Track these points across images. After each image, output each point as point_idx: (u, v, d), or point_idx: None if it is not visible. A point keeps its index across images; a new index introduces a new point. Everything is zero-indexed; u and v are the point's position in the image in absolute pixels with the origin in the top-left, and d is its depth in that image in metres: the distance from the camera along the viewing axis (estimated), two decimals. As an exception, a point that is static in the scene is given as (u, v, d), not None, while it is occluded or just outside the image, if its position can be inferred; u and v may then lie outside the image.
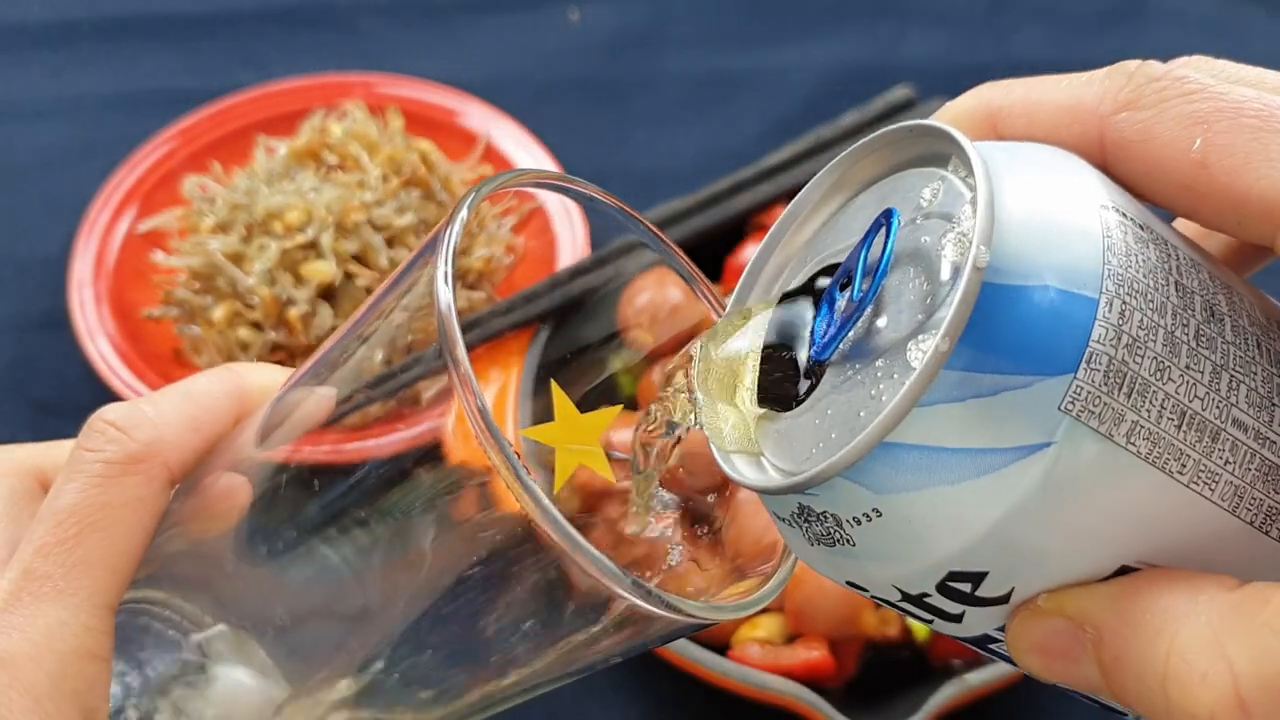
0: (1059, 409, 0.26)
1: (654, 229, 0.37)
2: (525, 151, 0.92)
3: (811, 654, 0.66)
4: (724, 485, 0.39)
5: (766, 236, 0.33)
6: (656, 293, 0.41)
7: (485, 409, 0.29)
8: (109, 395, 0.79)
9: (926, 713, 0.63)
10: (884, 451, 0.26)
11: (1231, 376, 0.27)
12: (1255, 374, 0.28)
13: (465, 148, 0.92)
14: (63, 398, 0.83)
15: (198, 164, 0.90)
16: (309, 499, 0.35)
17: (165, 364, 0.81)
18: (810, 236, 0.32)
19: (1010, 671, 0.65)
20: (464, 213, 0.32)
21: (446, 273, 0.31)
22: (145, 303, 0.84)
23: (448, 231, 0.31)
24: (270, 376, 0.38)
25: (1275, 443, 0.28)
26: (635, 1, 1.08)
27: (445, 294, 0.30)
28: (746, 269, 0.33)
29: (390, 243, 0.83)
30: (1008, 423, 0.26)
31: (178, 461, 0.36)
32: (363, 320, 0.35)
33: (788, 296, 0.31)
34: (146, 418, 0.36)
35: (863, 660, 0.68)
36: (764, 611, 0.68)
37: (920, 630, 0.66)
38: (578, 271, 0.73)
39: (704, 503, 0.39)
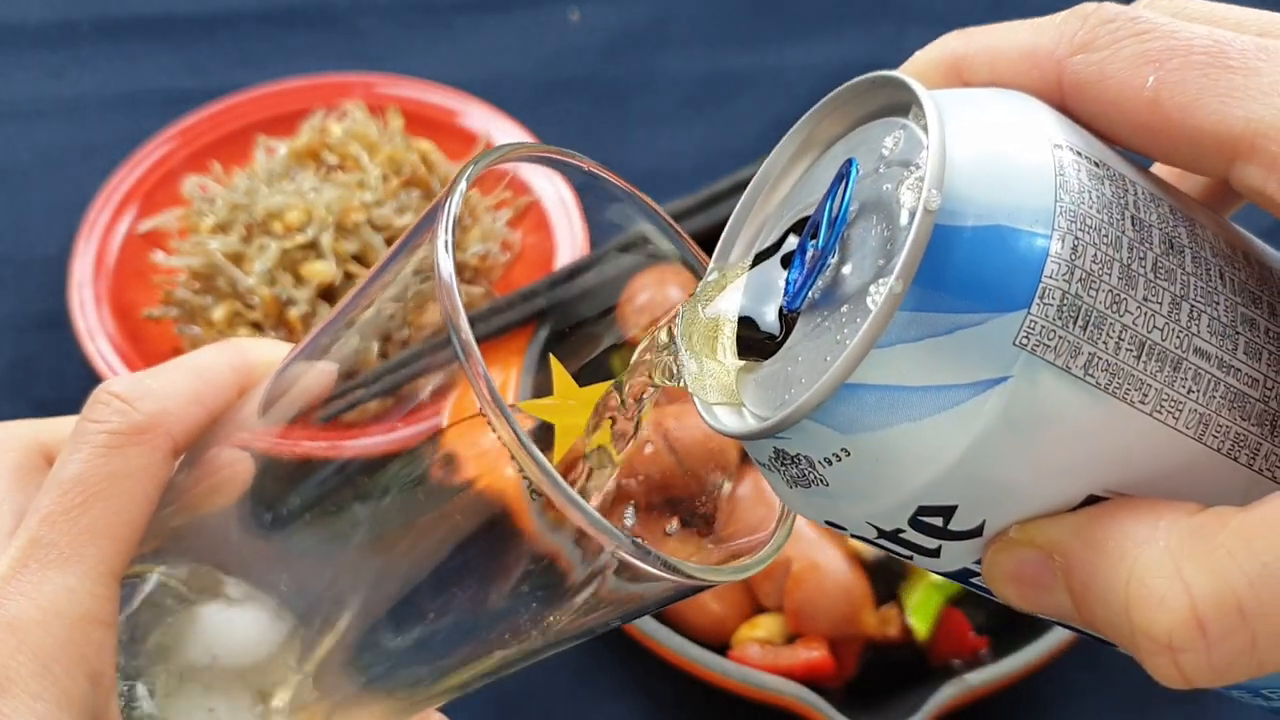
0: (1014, 344, 0.27)
1: (651, 202, 0.37)
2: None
3: (811, 654, 0.66)
4: (721, 483, 0.39)
5: (743, 197, 0.34)
6: (657, 291, 0.41)
7: (488, 376, 0.29)
8: (109, 395, 0.79)
9: (926, 713, 0.63)
10: (847, 393, 0.27)
11: (1192, 307, 0.28)
12: (1217, 304, 0.28)
13: (465, 148, 0.92)
14: (63, 398, 0.83)
15: (198, 164, 0.90)
16: (312, 470, 0.36)
17: (165, 364, 0.81)
18: (786, 194, 0.33)
19: (1010, 671, 0.65)
20: (463, 184, 0.32)
21: (447, 241, 0.31)
22: (145, 303, 0.84)
23: (447, 202, 0.32)
24: (273, 350, 0.39)
25: (1240, 370, 0.29)
26: (635, 1, 1.08)
27: (446, 262, 0.31)
28: (726, 230, 0.34)
29: (390, 243, 0.83)
30: (964, 359, 0.27)
31: (181, 432, 0.36)
32: (362, 293, 0.35)
33: (764, 252, 0.32)
34: (150, 390, 0.36)
35: (863, 660, 0.68)
36: (764, 611, 0.69)
37: (920, 630, 0.66)
38: (577, 270, 0.73)
39: (704, 500, 0.39)
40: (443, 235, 0.31)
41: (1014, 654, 0.65)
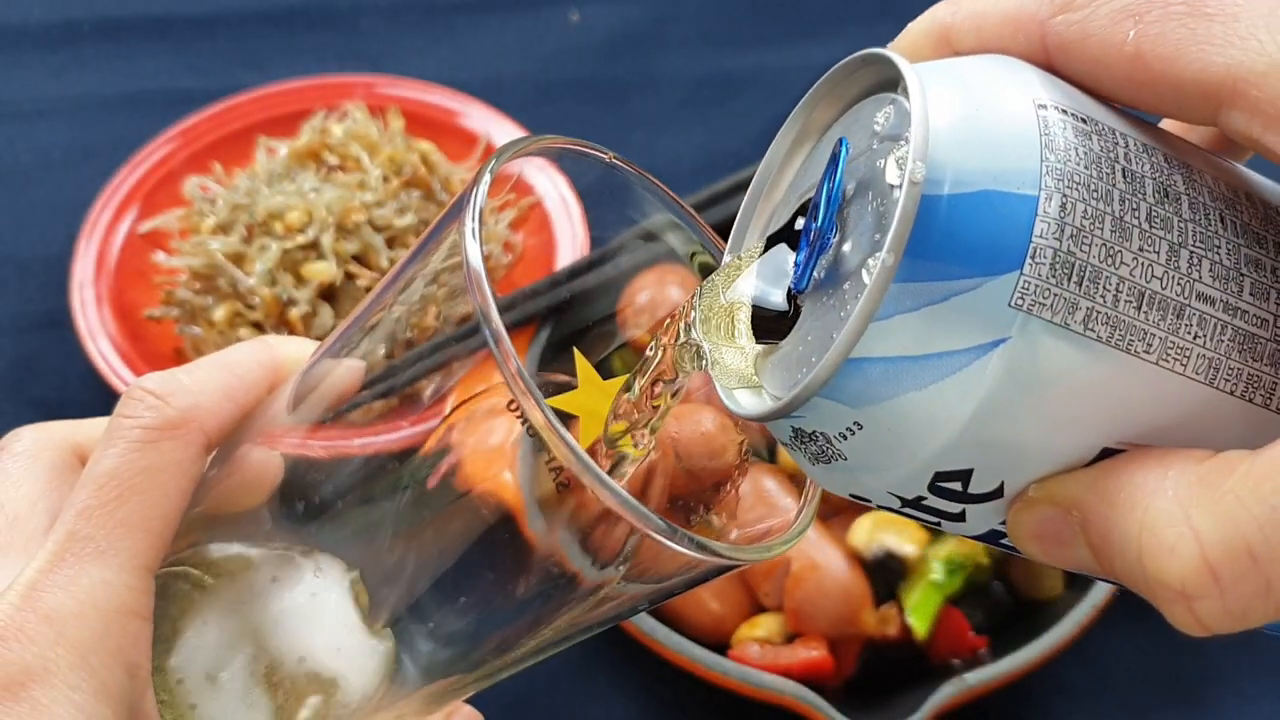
0: (1009, 305, 0.27)
1: (672, 194, 0.38)
2: (528, 159, 0.91)
3: (811, 653, 0.66)
4: (723, 482, 0.40)
5: (750, 188, 0.34)
6: (657, 291, 0.41)
7: (519, 362, 0.30)
8: (110, 395, 0.79)
9: (926, 712, 0.63)
10: (851, 368, 0.28)
11: (1191, 253, 0.28)
12: (1218, 247, 0.29)
13: (466, 148, 0.92)
14: (64, 398, 0.84)
15: (199, 164, 0.90)
16: (342, 466, 0.36)
17: (166, 364, 0.81)
18: (791, 179, 0.34)
19: (1009, 671, 0.65)
20: (488, 177, 0.33)
21: (474, 229, 0.31)
22: (146, 303, 0.85)
23: (474, 192, 0.32)
24: (302, 348, 0.40)
25: (1248, 312, 0.29)
26: (635, 2, 1.08)
27: (474, 249, 0.31)
28: (737, 220, 0.34)
29: (391, 243, 0.83)
30: (962, 325, 0.27)
31: (214, 428, 0.37)
32: (388, 288, 0.35)
33: (774, 236, 0.33)
34: (183, 385, 0.37)
35: (862, 660, 0.68)
36: (763, 611, 0.69)
37: (919, 629, 0.67)
38: (578, 270, 0.73)
39: (705, 499, 0.40)
40: (470, 223, 0.31)
41: (1013, 653, 0.65)
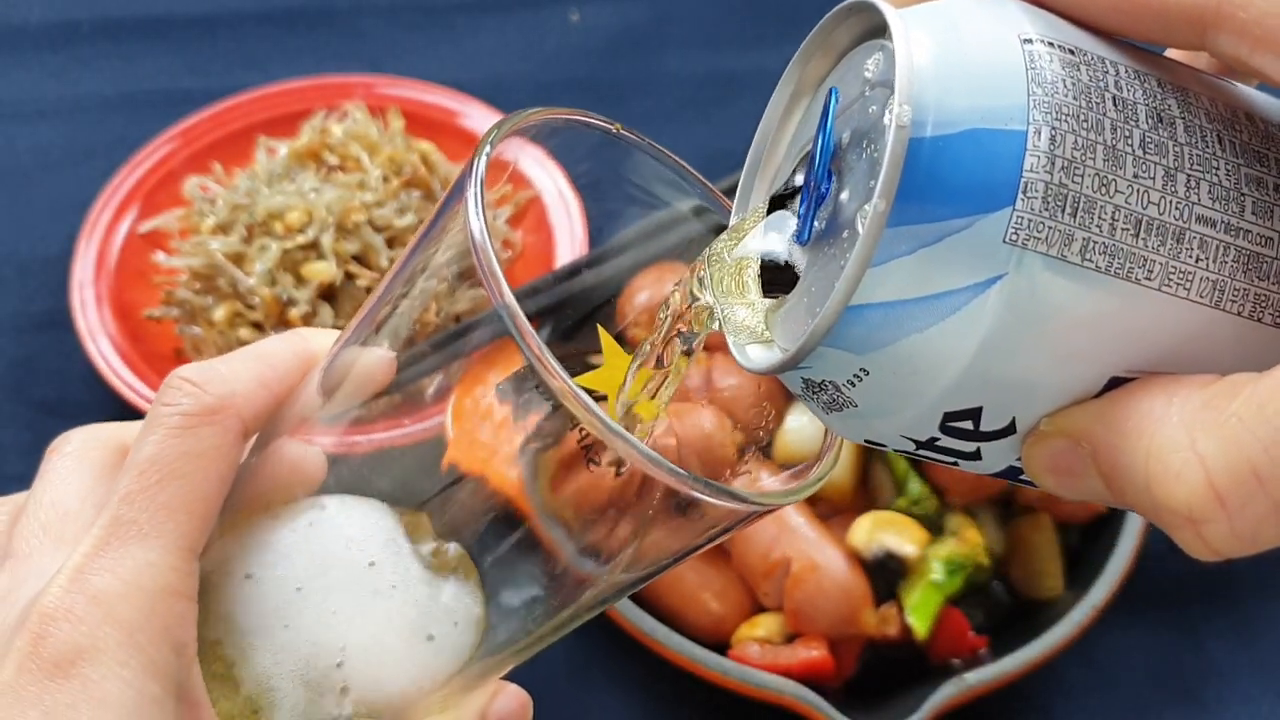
0: (1004, 241, 0.27)
1: (677, 159, 0.38)
2: (524, 151, 0.91)
3: (811, 653, 0.66)
4: (722, 475, 0.40)
5: (751, 148, 0.34)
6: (656, 291, 0.41)
7: (534, 333, 0.30)
8: (110, 396, 0.79)
9: (925, 712, 0.63)
10: (852, 315, 0.28)
11: (1189, 176, 0.28)
12: (1217, 169, 0.29)
13: (466, 148, 0.92)
14: (63, 398, 0.84)
15: (199, 165, 0.90)
16: (386, 457, 0.37)
17: (166, 364, 0.81)
18: (792, 135, 0.34)
19: (1009, 671, 0.65)
20: (488, 148, 0.33)
21: (477, 195, 0.31)
22: (146, 303, 0.85)
23: (475, 163, 0.32)
24: (332, 340, 0.40)
25: (1250, 231, 0.29)
26: (635, 2, 1.08)
27: (478, 223, 0.31)
28: (740, 182, 0.35)
29: (391, 243, 0.83)
30: (958, 264, 0.27)
31: (250, 414, 0.37)
32: (398, 276, 0.36)
33: (777, 194, 0.33)
34: (219, 374, 0.37)
35: (862, 660, 0.68)
36: (763, 611, 0.69)
37: (919, 629, 0.67)
38: (577, 268, 0.73)
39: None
40: (473, 188, 0.31)
41: (1013, 653, 0.65)
